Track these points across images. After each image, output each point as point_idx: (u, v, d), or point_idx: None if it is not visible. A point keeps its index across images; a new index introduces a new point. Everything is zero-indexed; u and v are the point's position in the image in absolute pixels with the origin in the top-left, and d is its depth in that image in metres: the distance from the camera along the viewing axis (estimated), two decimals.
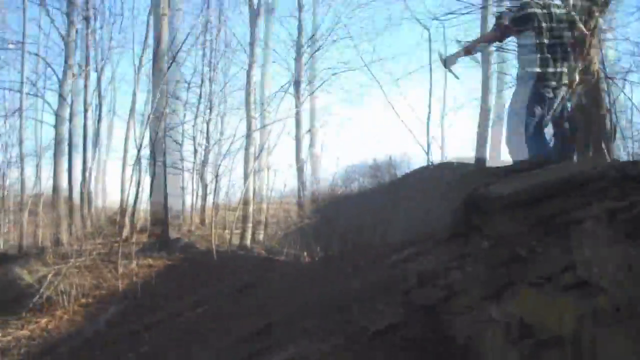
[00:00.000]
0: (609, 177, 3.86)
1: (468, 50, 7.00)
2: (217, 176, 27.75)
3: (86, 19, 22.69)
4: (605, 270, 3.44)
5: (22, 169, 21.67)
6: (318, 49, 24.45)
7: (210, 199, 28.93)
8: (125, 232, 15.96)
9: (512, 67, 17.27)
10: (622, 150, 13.24)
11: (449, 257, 6.23)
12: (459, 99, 24.08)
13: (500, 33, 6.76)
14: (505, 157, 15.06)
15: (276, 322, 7.51)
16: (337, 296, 7.49)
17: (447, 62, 7.12)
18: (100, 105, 25.53)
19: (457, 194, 9.05)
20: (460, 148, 38.57)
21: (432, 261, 6.76)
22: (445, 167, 13.24)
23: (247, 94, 21.30)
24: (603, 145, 7.57)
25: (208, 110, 30.14)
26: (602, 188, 3.83)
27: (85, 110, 24.28)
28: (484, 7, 14.87)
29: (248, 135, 20.67)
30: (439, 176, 11.83)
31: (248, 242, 18.72)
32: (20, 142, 21.22)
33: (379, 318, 5.93)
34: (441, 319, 5.24)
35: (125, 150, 21.19)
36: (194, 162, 27.17)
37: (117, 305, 11.79)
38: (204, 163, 28.72)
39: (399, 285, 6.68)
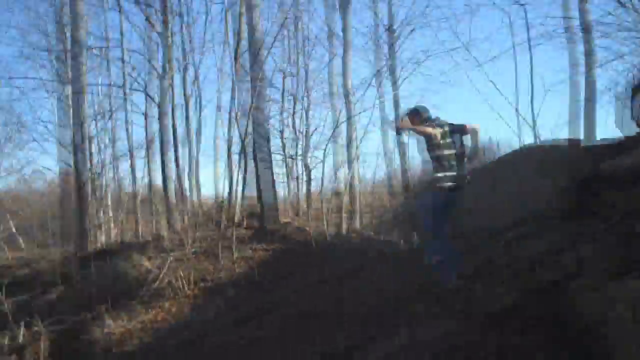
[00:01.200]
0: None
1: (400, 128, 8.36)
2: (308, 168, 28.16)
3: (180, 15, 23.41)
4: None
5: (117, 168, 22.56)
6: (399, 38, 24.33)
7: (303, 190, 29.48)
8: (237, 219, 16.44)
9: (599, 48, 17.23)
10: None
11: (561, 238, 6.27)
12: (549, 79, 23.68)
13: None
14: (601, 136, 14.92)
15: (384, 308, 7.70)
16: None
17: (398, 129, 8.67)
18: (200, 97, 26.39)
19: (556, 174, 9.08)
20: (552, 129, 37.74)
21: (544, 242, 6.78)
22: (539, 149, 13.03)
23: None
24: None
25: (300, 102, 30.71)
26: None
27: (186, 103, 25.21)
28: None
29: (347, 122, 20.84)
30: (535, 158, 11.68)
31: (344, 230, 18.97)
32: (113, 143, 22.07)
33: (493, 300, 5.89)
34: (560, 300, 5.01)
35: (217, 146, 21.71)
36: (285, 155, 27.62)
37: (235, 289, 12.25)
38: (296, 155, 29.26)
39: (511, 267, 6.72)
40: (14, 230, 29.00)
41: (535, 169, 10.56)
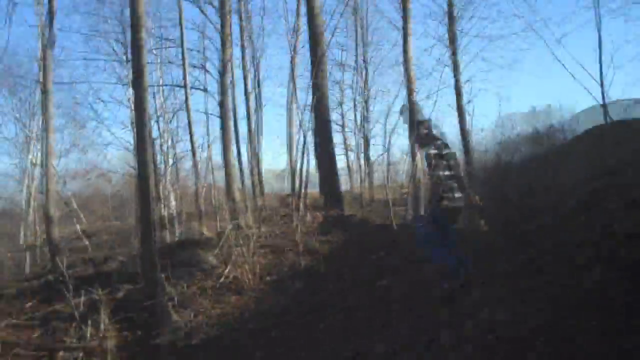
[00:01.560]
0: None
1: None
2: (369, 160, 27.92)
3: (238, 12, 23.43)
4: None
5: (195, 161, 22.58)
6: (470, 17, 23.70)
7: (365, 182, 29.30)
8: (300, 213, 16.30)
9: None
10: None
11: None
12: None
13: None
14: None
15: (466, 288, 7.50)
16: (530, 259, 7.34)
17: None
18: (260, 94, 26.46)
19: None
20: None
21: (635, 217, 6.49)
22: (623, 126, 12.57)
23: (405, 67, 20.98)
24: None
25: (366, 91, 30.52)
26: None
27: (247, 99, 25.19)
28: None
29: (404, 111, 20.42)
30: (618, 135, 11.25)
31: (422, 212, 18.63)
32: (191, 136, 22.05)
33: (580, 277, 5.64)
34: None
35: (290, 135, 21.64)
36: (346, 148, 27.51)
37: (302, 281, 12.08)
38: (367, 142, 29.12)
39: (597, 243, 6.42)
40: (79, 233, 29.34)
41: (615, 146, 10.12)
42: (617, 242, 5.97)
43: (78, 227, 28.52)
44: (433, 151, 7.98)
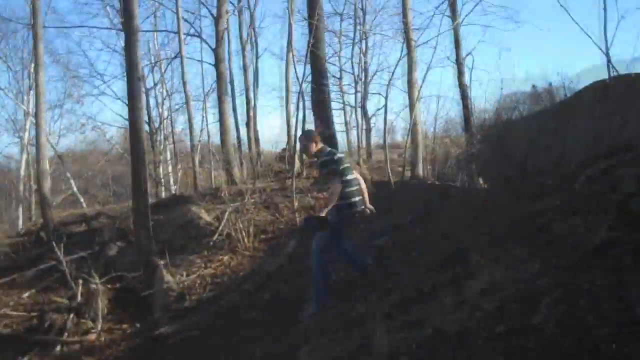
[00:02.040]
0: None
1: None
2: (367, 116, 27.56)
3: None
4: None
5: (189, 113, 22.23)
6: None
7: (373, 132, 28.97)
8: (296, 168, 16.02)
9: None
10: None
11: None
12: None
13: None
14: None
15: (465, 249, 7.20)
16: (529, 217, 7.09)
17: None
18: (256, 42, 25.99)
19: None
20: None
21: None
22: (627, 80, 12.18)
23: (404, 17, 20.48)
24: None
25: (364, 40, 30.00)
26: None
27: (243, 49, 24.72)
28: None
29: (409, 62, 20.00)
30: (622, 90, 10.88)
31: (421, 171, 18.41)
32: (184, 85, 21.60)
33: (589, 235, 5.33)
34: None
35: (287, 88, 21.27)
36: (343, 103, 27.14)
37: (297, 239, 11.82)
38: (365, 96, 28.69)
39: (603, 199, 6.15)
40: (75, 190, 29.12)
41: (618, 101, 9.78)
42: (625, 198, 5.70)
43: (73, 182, 28.36)
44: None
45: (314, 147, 7.98)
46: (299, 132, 16.46)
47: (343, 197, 7.68)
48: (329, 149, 8.14)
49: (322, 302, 7.72)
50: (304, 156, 8.35)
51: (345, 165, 7.92)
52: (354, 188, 7.97)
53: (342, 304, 7.38)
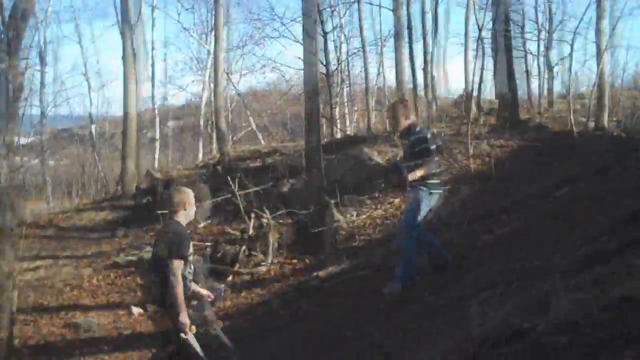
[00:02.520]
0: None
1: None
2: (550, 64, 26.25)
3: None
4: None
5: (365, 57, 22.05)
6: None
7: (555, 82, 27.72)
8: (472, 115, 15.53)
9: None
10: None
11: None
12: None
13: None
14: None
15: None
16: None
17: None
18: None
19: None
20: None
21: None
22: None
23: None
24: None
25: None
26: None
27: None
28: None
29: (598, 11, 18.75)
30: None
31: (605, 123, 17.32)
32: (361, 30, 21.43)
33: None
34: None
35: (467, 34, 20.57)
36: (525, 51, 25.89)
37: (471, 186, 11.47)
38: (549, 44, 27.35)
39: None
40: (254, 127, 29.99)
41: None
42: None
43: (252, 120, 29.21)
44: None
45: (405, 121, 7.45)
46: (477, 79, 15.99)
47: (434, 176, 7.38)
48: (419, 127, 7.72)
49: (410, 278, 7.47)
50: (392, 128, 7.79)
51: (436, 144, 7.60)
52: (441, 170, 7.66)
53: (514, 256, 7.01)
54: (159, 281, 5.57)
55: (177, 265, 5.37)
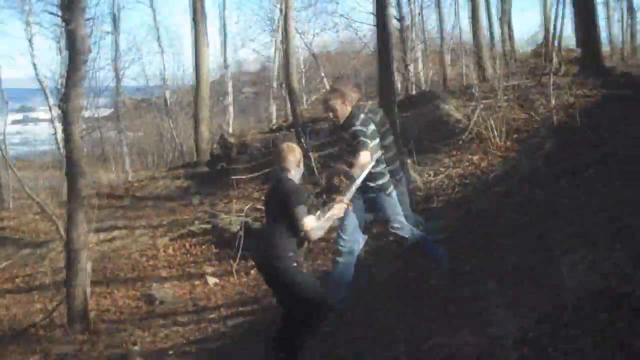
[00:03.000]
0: None
1: None
2: (633, 8, 25.04)
3: None
4: None
5: (440, 10, 21.51)
6: None
7: (628, 33, 26.63)
8: (554, 64, 14.84)
9: None
10: None
11: None
12: None
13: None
14: None
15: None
16: None
17: None
18: None
19: None
20: None
21: None
22: None
23: None
24: None
25: None
26: None
27: None
28: None
29: None
30: None
31: None
32: None
33: None
34: None
35: None
36: None
37: (554, 140, 10.90)
38: None
39: None
40: (327, 89, 29.79)
41: None
42: None
43: (325, 81, 28.99)
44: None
45: (346, 108, 6.69)
46: (558, 28, 15.23)
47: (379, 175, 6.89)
48: (362, 114, 6.81)
49: (442, 255, 7.26)
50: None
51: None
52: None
53: (605, 214, 6.49)
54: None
55: (302, 210, 5.41)
